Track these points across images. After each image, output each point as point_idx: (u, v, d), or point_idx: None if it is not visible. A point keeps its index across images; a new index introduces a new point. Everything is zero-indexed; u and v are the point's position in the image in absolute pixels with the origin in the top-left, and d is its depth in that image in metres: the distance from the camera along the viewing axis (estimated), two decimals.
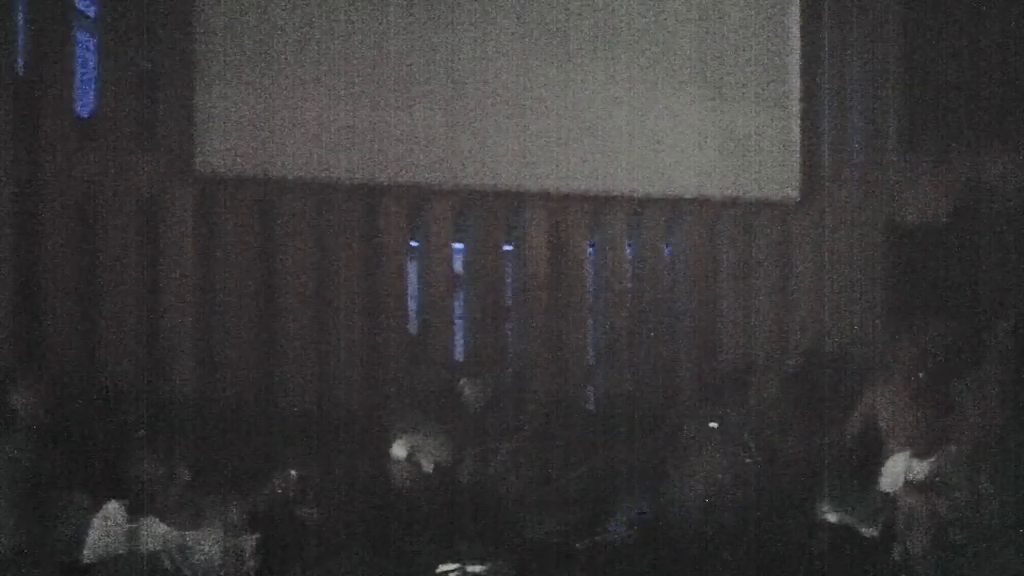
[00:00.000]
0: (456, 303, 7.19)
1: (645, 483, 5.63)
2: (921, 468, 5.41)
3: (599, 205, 7.33)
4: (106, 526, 5.05)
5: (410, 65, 6.91)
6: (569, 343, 7.24)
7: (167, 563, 5.11)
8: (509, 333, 7.24)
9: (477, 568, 5.09)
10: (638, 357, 7.37)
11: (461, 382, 6.44)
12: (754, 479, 5.42)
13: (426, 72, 6.94)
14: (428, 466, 5.73)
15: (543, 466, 6.04)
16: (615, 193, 7.30)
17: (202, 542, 5.16)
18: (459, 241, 7.18)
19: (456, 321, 7.19)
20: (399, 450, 5.83)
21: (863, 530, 5.27)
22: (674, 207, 7.44)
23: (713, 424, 5.70)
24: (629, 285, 7.43)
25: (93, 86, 6.62)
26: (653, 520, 5.29)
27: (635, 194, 7.33)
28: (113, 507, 5.03)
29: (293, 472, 5.50)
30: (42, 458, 5.29)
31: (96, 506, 5.03)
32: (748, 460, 5.47)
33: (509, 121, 7.10)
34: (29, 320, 6.28)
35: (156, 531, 5.09)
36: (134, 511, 5.05)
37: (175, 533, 5.07)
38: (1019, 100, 6.98)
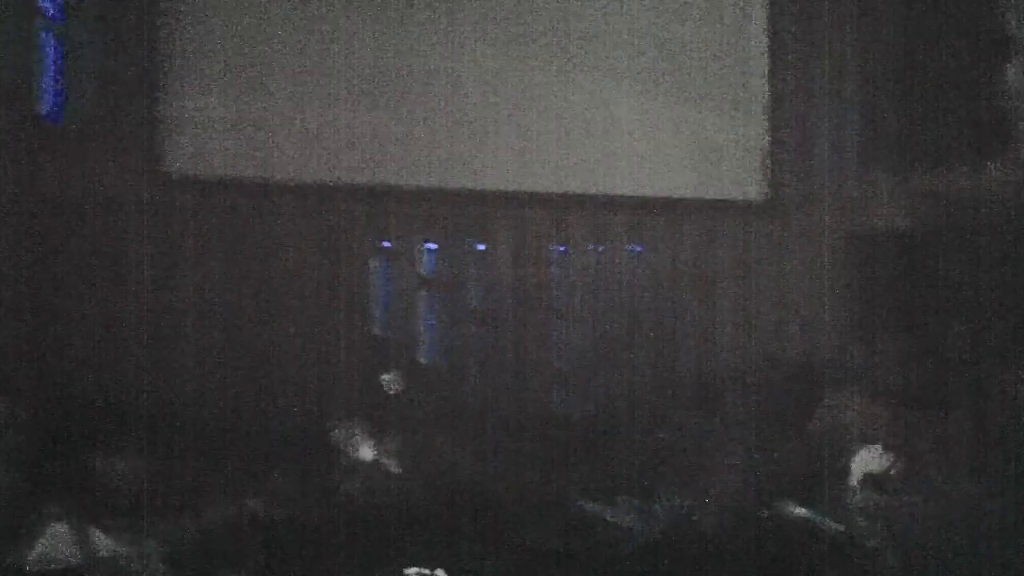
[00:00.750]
0: (422, 303, 7.17)
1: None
2: (884, 461, 5.41)
3: (568, 206, 7.34)
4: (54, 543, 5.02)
5: (384, 69, 6.91)
6: (536, 345, 7.23)
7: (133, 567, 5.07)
8: (479, 335, 7.21)
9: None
10: (606, 358, 7.34)
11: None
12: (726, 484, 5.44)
13: (393, 76, 6.93)
14: (396, 468, 5.70)
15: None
16: (585, 193, 7.29)
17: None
18: (432, 241, 7.16)
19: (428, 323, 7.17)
20: (365, 452, 5.80)
21: (830, 525, 5.28)
22: (643, 208, 7.44)
23: None
24: (595, 287, 7.42)
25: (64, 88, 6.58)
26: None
27: (603, 194, 7.33)
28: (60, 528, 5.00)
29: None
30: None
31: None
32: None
33: (477, 124, 7.09)
34: None
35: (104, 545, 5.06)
36: (81, 528, 5.01)
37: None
38: (984, 109, 7.03)
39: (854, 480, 5.58)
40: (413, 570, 4.96)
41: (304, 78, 6.79)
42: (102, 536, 5.09)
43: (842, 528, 5.30)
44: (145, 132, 6.60)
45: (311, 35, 6.80)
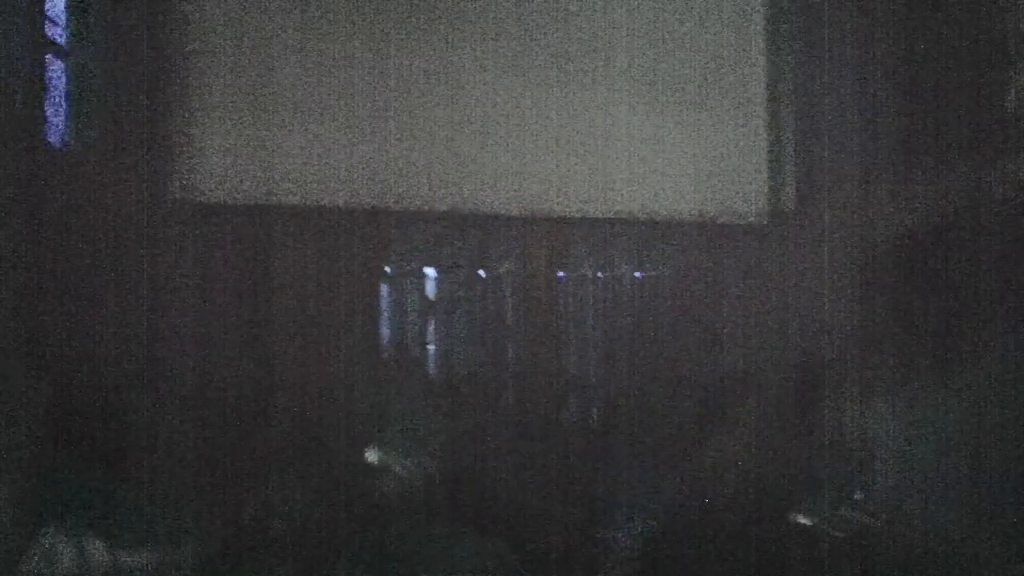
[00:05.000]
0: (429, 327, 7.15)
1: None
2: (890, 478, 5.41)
3: (568, 229, 7.33)
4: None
5: (384, 89, 6.97)
6: (542, 367, 7.20)
7: None
8: (480, 357, 7.19)
9: None
10: (608, 382, 7.31)
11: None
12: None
13: (397, 95, 6.98)
14: (402, 471, 5.67)
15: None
16: (585, 216, 7.29)
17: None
18: (432, 266, 7.15)
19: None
20: (371, 455, 5.78)
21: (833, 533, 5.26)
22: (645, 230, 7.43)
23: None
24: (600, 307, 7.41)
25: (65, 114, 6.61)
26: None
27: (603, 217, 7.32)
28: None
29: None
30: None
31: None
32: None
33: (480, 144, 7.08)
34: None
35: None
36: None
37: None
38: (987, 113, 7.04)
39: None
40: None
41: (307, 104, 6.84)
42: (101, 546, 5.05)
43: (841, 535, 5.28)
44: (150, 157, 6.61)
45: (315, 60, 6.86)
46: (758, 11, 7.52)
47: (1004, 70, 6.83)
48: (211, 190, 6.66)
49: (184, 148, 6.64)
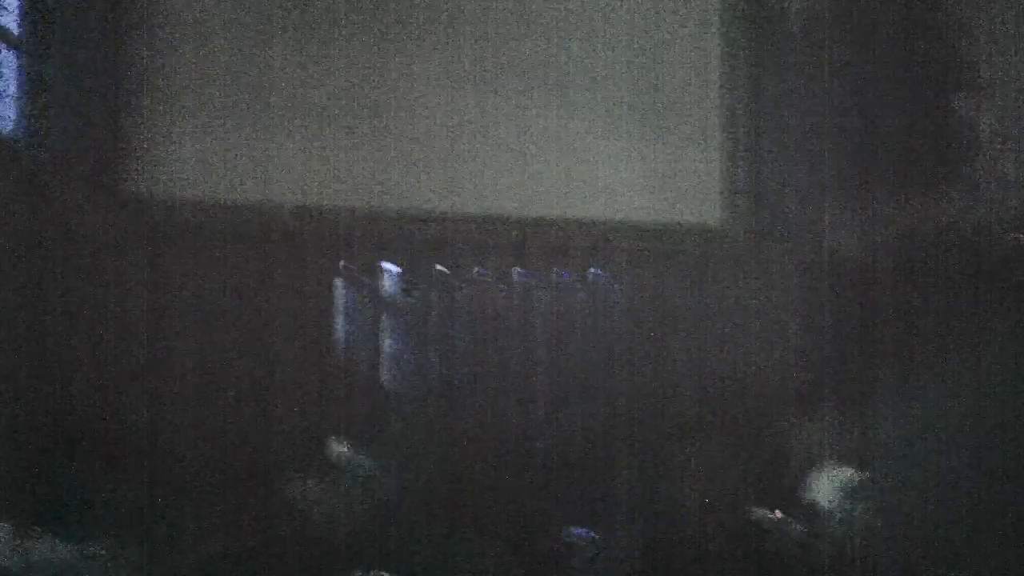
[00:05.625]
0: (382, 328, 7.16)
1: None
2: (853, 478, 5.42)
3: (529, 229, 7.35)
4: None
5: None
6: (490, 369, 7.21)
7: None
8: (440, 357, 7.21)
9: None
10: (561, 383, 7.33)
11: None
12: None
13: (359, 104, 7.00)
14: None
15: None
16: (545, 217, 7.31)
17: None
18: (391, 263, 7.15)
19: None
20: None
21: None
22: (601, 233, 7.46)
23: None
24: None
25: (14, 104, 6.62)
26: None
27: (564, 218, 7.34)
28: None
29: None
30: None
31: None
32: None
33: (441, 148, 7.11)
34: None
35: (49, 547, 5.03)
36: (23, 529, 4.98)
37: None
38: (938, 136, 7.07)
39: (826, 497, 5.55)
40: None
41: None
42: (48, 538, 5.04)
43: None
44: (107, 154, 6.61)
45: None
46: (715, 16, 7.57)
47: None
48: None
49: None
